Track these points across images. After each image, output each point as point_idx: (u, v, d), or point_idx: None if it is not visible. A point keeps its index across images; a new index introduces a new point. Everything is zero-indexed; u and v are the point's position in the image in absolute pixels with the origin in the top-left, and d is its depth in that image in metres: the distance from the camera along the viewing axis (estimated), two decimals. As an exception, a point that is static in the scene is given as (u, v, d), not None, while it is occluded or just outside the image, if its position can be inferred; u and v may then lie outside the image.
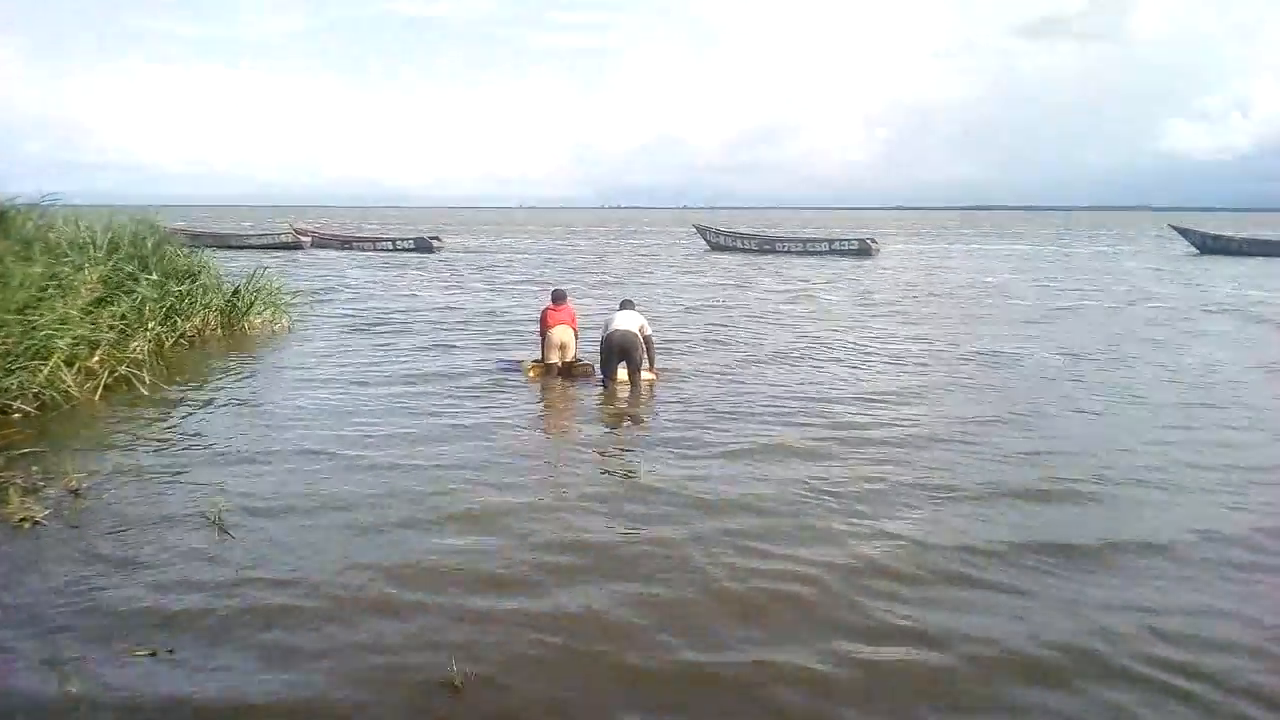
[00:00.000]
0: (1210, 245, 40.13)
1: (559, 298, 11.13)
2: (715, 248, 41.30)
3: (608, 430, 8.73)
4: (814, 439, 8.05)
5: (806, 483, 6.80)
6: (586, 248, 45.22)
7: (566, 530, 5.87)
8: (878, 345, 13.64)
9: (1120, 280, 26.28)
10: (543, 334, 10.88)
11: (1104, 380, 11.01)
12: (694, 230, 46.70)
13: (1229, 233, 43.28)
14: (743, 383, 10.67)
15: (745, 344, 13.67)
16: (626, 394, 10.04)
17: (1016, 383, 10.89)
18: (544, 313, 11.02)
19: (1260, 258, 36.81)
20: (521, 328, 14.67)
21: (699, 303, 19.56)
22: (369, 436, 8.09)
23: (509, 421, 8.75)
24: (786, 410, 9.22)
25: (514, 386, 10.44)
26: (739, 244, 40.98)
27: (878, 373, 11.44)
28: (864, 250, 37.32)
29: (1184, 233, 42.72)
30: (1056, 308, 19.06)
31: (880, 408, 9.44)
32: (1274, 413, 9.34)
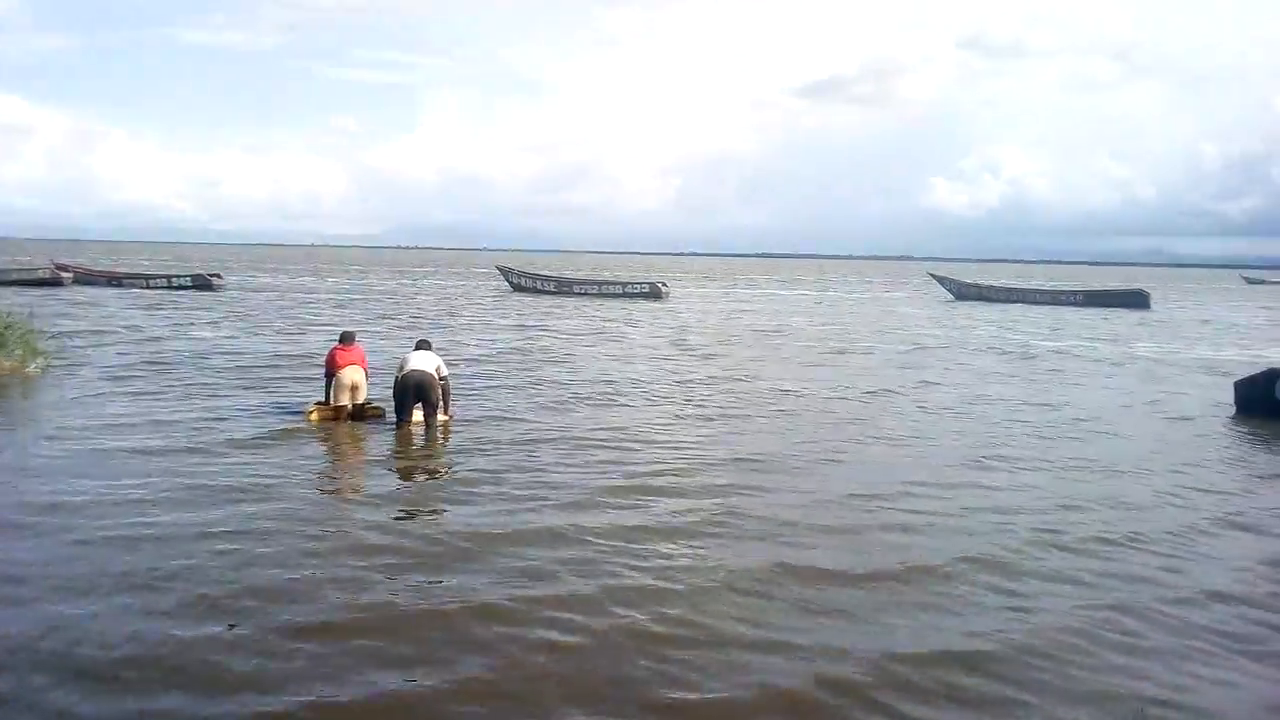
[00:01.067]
0: (965, 292, 44.61)
1: (347, 338, 10.88)
2: (518, 289, 41.71)
3: (400, 484, 8.24)
4: (611, 484, 8.05)
5: (603, 530, 6.76)
6: (385, 287, 44.14)
7: (327, 612, 5.14)
8: (670, 385, 14.22)
9: (901, 323, 28.91)
10: (331, 375, 10.55)
11: (884, 411, 12.06)
12: (497, 271, 47.29)
13: (981, 280, 48.57)
14: (542, 424, 10.70)
15: (546, 384, 13.86)
16: (421, 437, 9.88)
17: (806, 418, 11.68)
18: (332, 353, 10.71)
19: (1005, 303, 41.31)
20: (305, 370, 13.82)
21: (504, 343, 19.63)
22: (98, 501, 7.05)
23: (279, 479, 7.95)
24: (583, 454, 9.24)
25: (295, 435, 9.88)
26: (539, 285, 41.65)
27: (670, 412, 11.92)
28: (654, 293, 39.01)
29: (941, 280, 47.34)
30: (835, 349, 20.56)
31: (668, 447, 9.76)
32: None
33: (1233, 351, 22.16)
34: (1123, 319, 33.53)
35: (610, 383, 14.24)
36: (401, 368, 10.24)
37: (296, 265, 73.56)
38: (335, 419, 10.43)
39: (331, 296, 36.23)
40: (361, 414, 10.54)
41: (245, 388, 12.88)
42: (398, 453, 9.41)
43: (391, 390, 10.29)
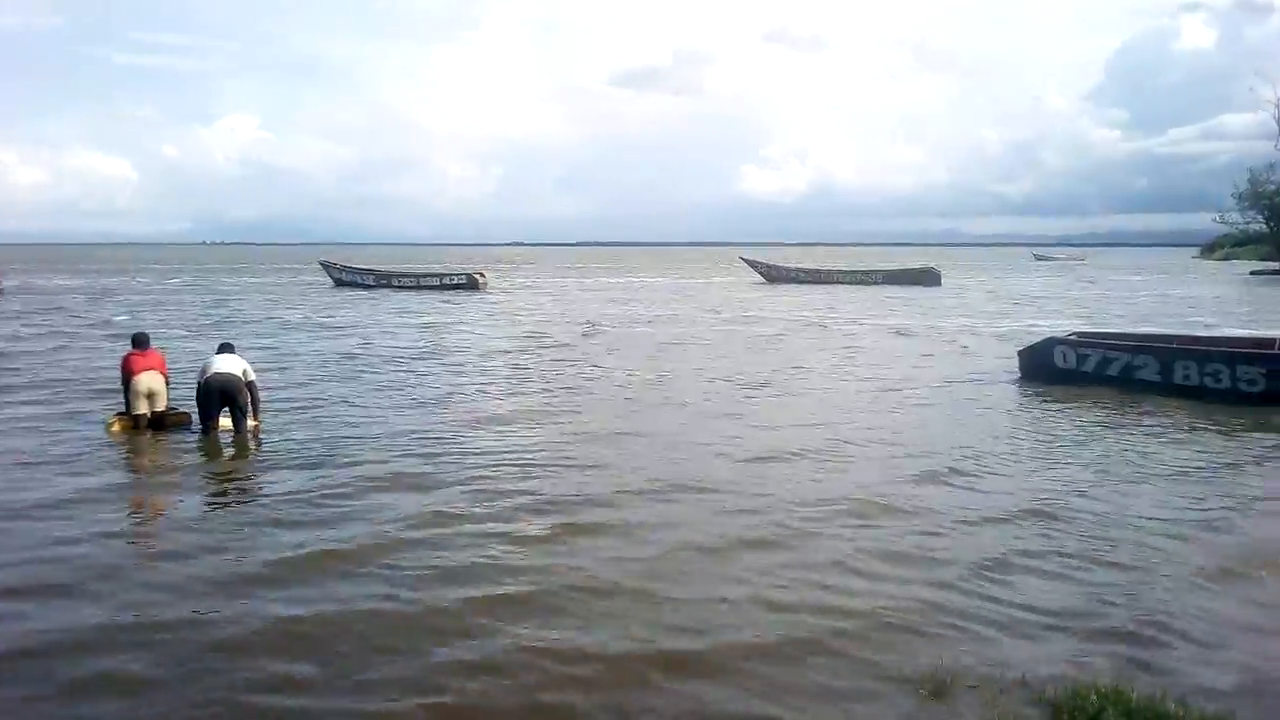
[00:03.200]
0: (776, 275, 46.74)
1: (141, 341, 10.22)
2: (340, 283, 41.17)
3: (211, 498, 7.75)
4: (429, 482, 7.87)
5: (421, 527, 6.71)
6: (193, 287, 41.50)
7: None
8: (487, 376, 14.25)
9: (724, 305, 30.12)
10: (126, 383, 9.97)
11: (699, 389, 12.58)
12: (319, 266, 46.39)
13: (790, 263, 51.00)
14: (360, 423, 10.43)
15: (367, 381, 13.55)
16: (230, 443, 9.44)
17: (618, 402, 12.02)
18: (126, 359, 10.02)
19: (812, 284, 43.99)
20: (104, 380, 12.79)
21: (328, 342, 19.00)
22: None
23: (76, 500, 7.35)
24: (404, 448, 9.09)
25: (92, 449, 9.20)
26: (360, 279, 41.24)
27: (485, 402, 11.96)
28: (472, 284, 38.91)
29: (753, 264, 49.37)
30: (674, 336, 21.15)
31: (484, 438, 9.74)
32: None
33: (1024, 322, 24.23)
34: (918, 295, 36.50)
35: (432, 376, 14.10)
36: (204, 372, 9.75)
37: (91, 266, 67.81)
38: (136, 429, 9.88)
39: (131, 298, 33.74)
40: (163, 423, 10.00)
41: (26, 399, 11.93)
42: (204, 463, 8.92)
43: (195, 396, 9.83)
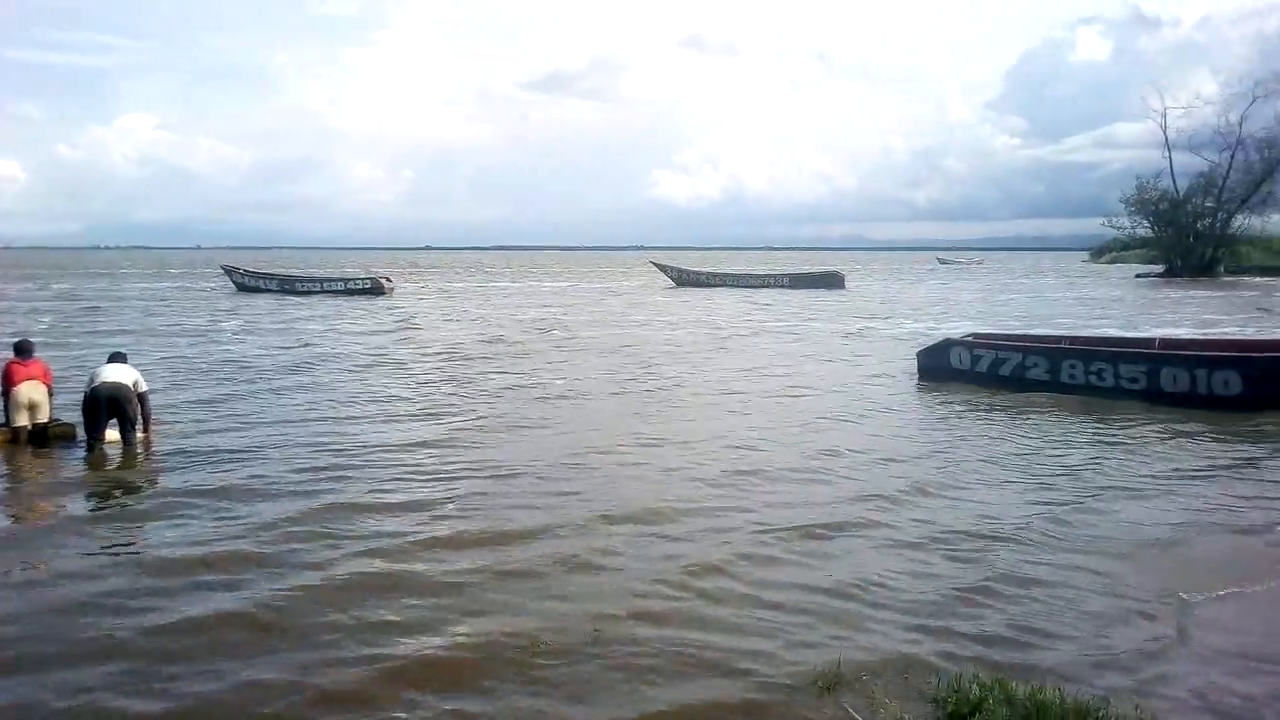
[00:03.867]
0: (686, 279, 47.31)
1: (24, 350, 9.73)
2: (243, 288, 40.14)
3: (93, 512, 7.44)
4: (322, 495, 7.60)
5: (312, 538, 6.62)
6: (86, 292, 39.59)
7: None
8: (392, 382, 14.02)
9: (638, 308, 30.21)
10: (6, 393, 9.47)
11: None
12: (221, 270, 45.16)
13: (699, 268, 51.76)
14: (257, 435, 10.07)
15: (265, 390, 13.15)
16: (119, 457, 9.05)
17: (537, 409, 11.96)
18: (6, 368, 9.51)
19: (721, 288, 44.97)
20: None
21: (227, 349, 18.43)
22: None
23: None
24: (301, 461, 8.81)
25: None
26: (263, 284, 40.37)
27: (390, 409, 11.77)
28: (377, 289, 38.38)
29: (664, 268, 49.88)
30: (604, 338, 21.11)
31: (386, 448, 9.53)
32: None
33: (925, 323, 25.01)
34: (822, 298, 37.80)
35: (329, 394, 13.82)
36: (91, 381, 9.35)
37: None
38: (15, 443, 9.40)
39: (17, 304, 32.03)
40: (45, 436, 9.55)
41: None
42: (89, 478, 8.54)
43: (80, 407, 9.41)
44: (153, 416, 9.72)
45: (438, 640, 4.94)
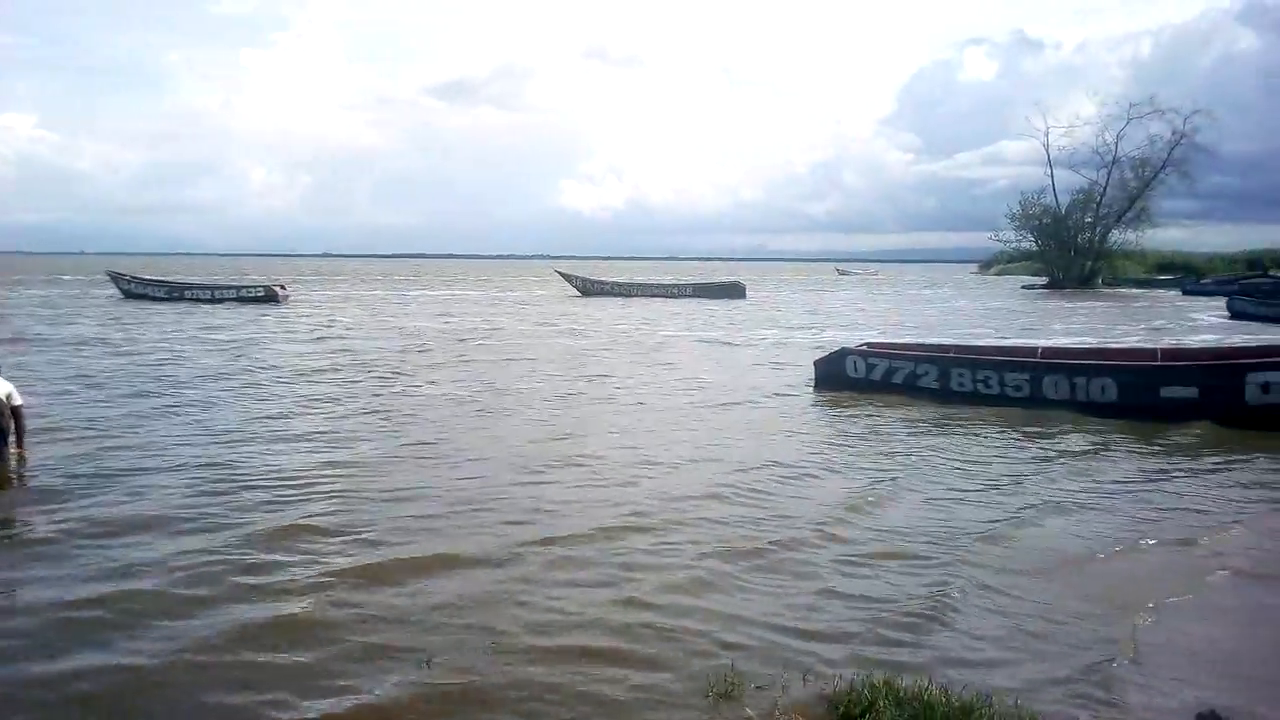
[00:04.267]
0: (590, 288, 47.56)
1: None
2: (130, 296, 38.81)
3: None
4: (208, 520, 7.16)
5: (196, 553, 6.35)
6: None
7: None
8: (285, 396, 13.63)
9: (539, 317, 29.98)
10: None
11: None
12: (107, 276, 43.64)
13: (604, 277, 52.24)
14: (140, 452, 9.54)
15: (151, 403, 12.54)
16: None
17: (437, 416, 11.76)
18: None
19: (625, 297, 45.53)
20: None
21: (111, 360, 17.53)
22: None
23: None
24: (184, 481, 8.31)
25: None
26: (152, 292, 39.06)
27: (281, 425, 11.39)
28: (271, 297, 37.38)
29: (568, 278, 50.20)
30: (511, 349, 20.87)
31: (277, 467, 9.20)
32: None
33: (825, 333, 25.65)
34: (725, 307, 38.58)
35: (217, 408, 13.34)
36: (-41, 397, 8.84)
37: None
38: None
39: None
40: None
41: None
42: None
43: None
44: (26, 431, 9.19)
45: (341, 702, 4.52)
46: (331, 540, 6.72)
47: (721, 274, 65.96)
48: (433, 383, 15.15)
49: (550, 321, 29.64)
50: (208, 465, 9.06)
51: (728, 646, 4.98)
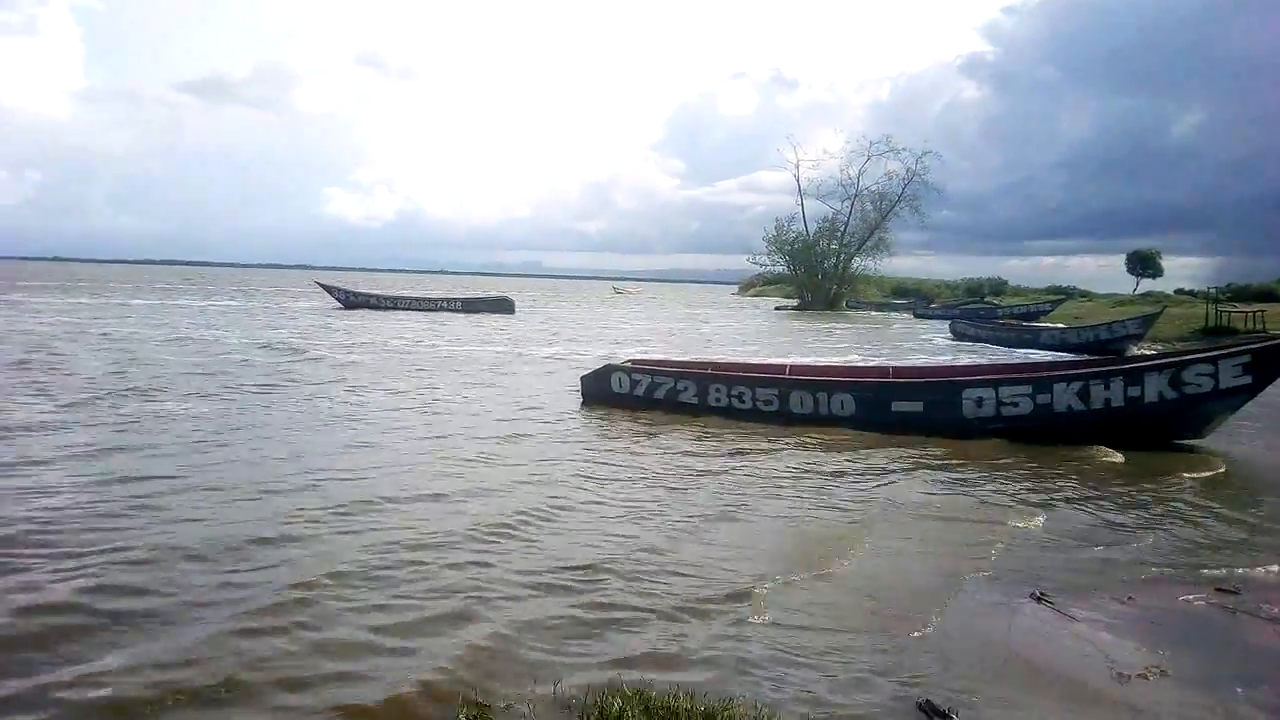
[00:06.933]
0: (354, 300, 45.84)
1: None
2: None
3: None
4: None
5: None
6: None
7: None
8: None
9: (307, 331, 28.21)
10: None
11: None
12: None
13: (370, 289, 50.69)
14: None
15: None
16: None
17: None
18: None
19: (393, 310, 44.50)
20: None
21: None
22: None
23: None
24: None
25: None
26: None
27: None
28: None
29: (330, 289, 48.31)
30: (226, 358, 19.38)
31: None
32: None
33: (594, 349, 25.96)
34: (494, 322, 38.56)
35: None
36: None
37: None
38: None
39: None
40: None
41: None
42: None
43: None
44: None
45: None
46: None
47: (496, 289, 65.55)
48: (177, 400, 13.93)
49: (306, 334, 28.12)
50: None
51: (462, 661, 4.87)
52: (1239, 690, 4.93)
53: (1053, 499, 9.27)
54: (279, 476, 8.89)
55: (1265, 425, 14.38)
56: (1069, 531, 8.02)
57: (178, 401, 13.52)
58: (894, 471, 10.34)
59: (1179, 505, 9.07)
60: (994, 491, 9.54)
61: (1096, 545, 7.59)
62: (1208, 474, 10.68)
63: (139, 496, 7.91)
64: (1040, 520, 8.37)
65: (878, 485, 9.63)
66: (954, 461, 10.95)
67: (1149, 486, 9.89)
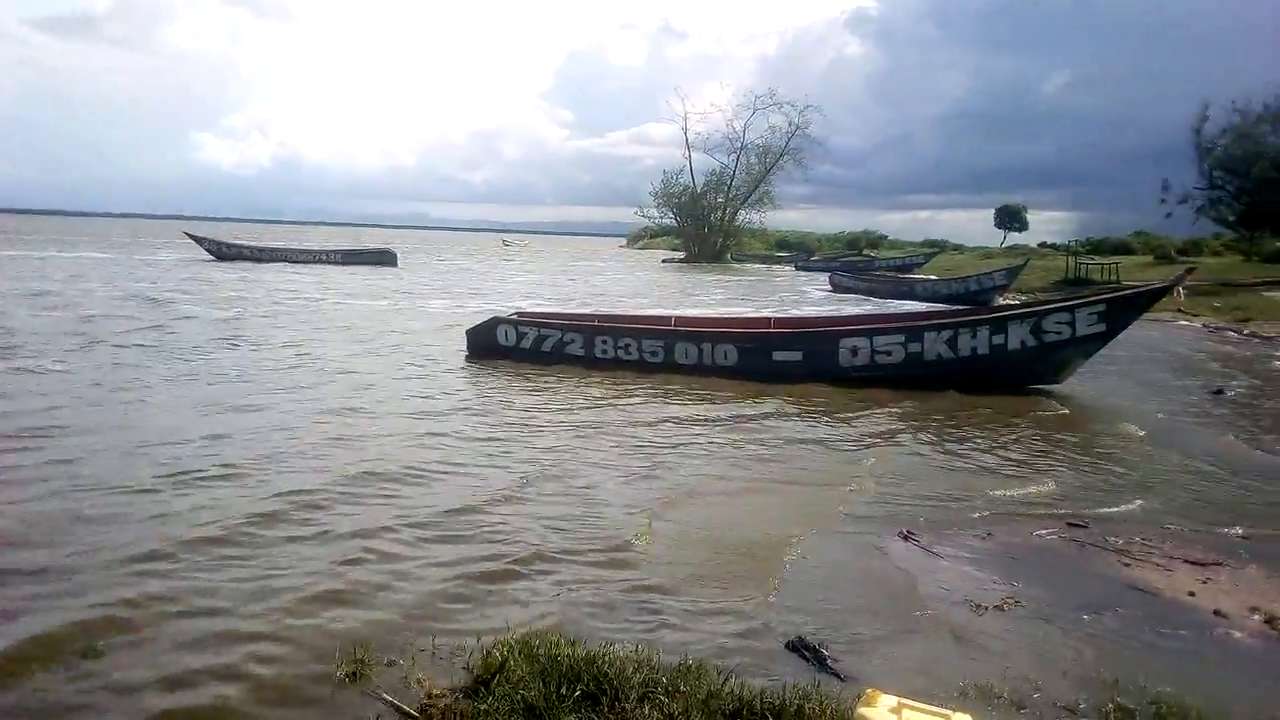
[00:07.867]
0: (226, 252, 43.82)
1: None
2: None
3: None
4: None
5: None
6: None
7: None
8: None
9: (180, 285, 26.78)
10: None
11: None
12: None
13: (242, 241, 48.42)
14: None
15: None
16: None
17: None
18: None
19: (269, 262, 42.47)
20: None
21: None
22: None
23: None
24: None
25: None
26: None
27: None
28: None
29: (200, 240, 45.99)
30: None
31: None
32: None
33: (478, 302, 25.64)
34: (376, 275, 37.56)
35: None
36: None
37: None
38: None
39: None
40: None
41: None
42: None
43: None
44: None
45: None
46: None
47: (379, 241, 63.74)
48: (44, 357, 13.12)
49: (176, 287, 26.80)
50: None
51: (341, 625, 4.81)
52: (1085, 617, 5.31)
53: (918, 442, 9.72)
54: (142, 443, 8.49)
55: (1106, 370, 15.37)
56: (933, 472, 8.44)
57: (37, 359, 12.76)
58: (769, 417, 10.65)
59: (1034, 445, 9.67)
60: (864, 434, 9.96)
61: (957, 486, 8.01)
62: (1055, 414, 11.43)
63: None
64: (903, 462, 8.80)
65: (751, 432, 9.91)
66: (826, 407, 11.35)
67: (1005, 429, 10.49)
